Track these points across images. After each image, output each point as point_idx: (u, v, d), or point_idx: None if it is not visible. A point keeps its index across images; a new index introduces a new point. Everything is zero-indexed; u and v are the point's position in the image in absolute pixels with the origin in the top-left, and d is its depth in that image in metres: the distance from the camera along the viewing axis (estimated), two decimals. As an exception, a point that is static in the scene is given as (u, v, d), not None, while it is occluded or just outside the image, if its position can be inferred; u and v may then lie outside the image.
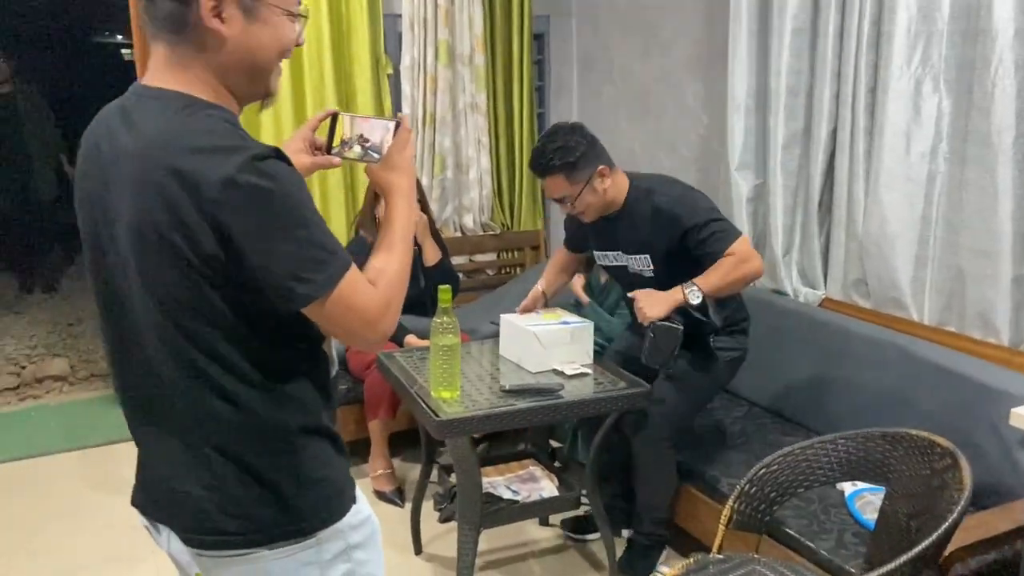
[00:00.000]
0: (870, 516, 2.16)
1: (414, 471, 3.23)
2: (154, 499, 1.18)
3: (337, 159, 1.27)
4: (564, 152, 2.30)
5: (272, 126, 3.54)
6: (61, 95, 6.26)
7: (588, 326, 2.47)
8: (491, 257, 4.23)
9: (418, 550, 2.72)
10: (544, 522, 2.90)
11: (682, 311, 2.22)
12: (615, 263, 2.51)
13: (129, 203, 1.04)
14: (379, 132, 1.23)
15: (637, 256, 2.41)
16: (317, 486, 1.15)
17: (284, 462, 1.13)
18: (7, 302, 5.79)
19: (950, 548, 1.56)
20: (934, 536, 1.37)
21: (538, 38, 4.22)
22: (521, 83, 4.06)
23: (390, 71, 3.82)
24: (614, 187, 2.39)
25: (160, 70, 1.10)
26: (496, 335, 2.64)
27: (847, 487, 2.31)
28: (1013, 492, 2.03)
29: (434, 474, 2.74)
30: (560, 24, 4.25)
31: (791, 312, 2.87)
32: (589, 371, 2.38)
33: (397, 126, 1.23)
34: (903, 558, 1.33)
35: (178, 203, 0.99)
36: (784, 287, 2.98)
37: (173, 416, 1.12)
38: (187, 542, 1.13)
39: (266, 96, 1.16)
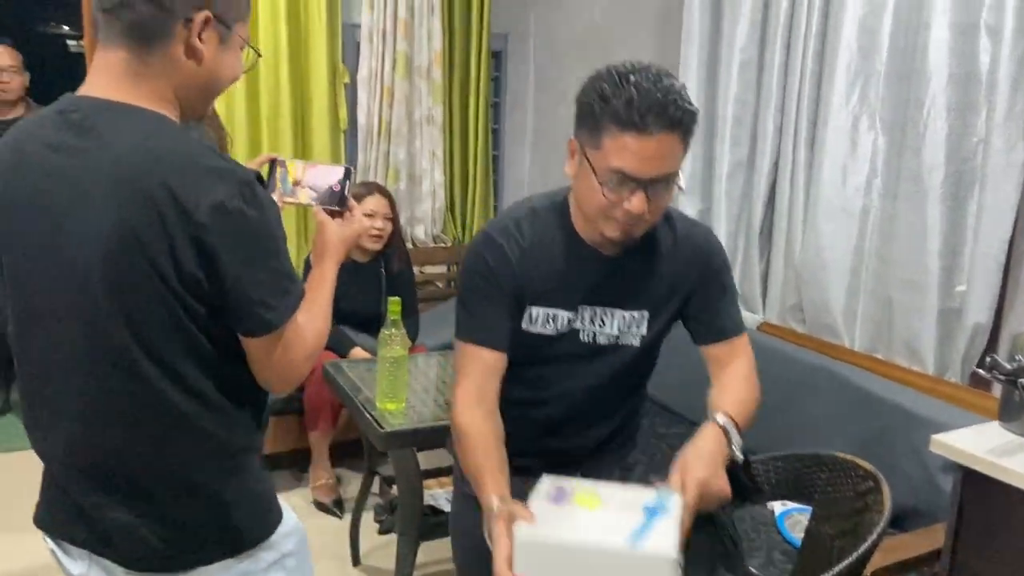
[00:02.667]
0: (799, 535, 2.23)
1: (355, 481, 3.23)
2: (74, 521, 1.14)
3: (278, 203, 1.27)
4: (690, 104, 1.32)
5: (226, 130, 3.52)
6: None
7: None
8: (441, 270, 4.26)
9: (356, 561, 2.71)
10: (484, 535, 2.92)
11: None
12: (560, 329, 1.46)
13: (105, 218, 1.01)
14: (330, 177, 1.27)
15: (628, 314, 1.49)
16: (255, 502, 1.18)
17: (227, 481, 1.14)
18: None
19: (870, 568, 1.63)
20: (853, 556, 1.43)
21: (496, 55, 4.28)
22: (477, 98, 4.11)
23: (347, 80, 3.83)
24: None
25: (113, 78, 1.07)
26: (443, 348, 2.64)
27: (777, 506, 2.39)
28: (933, 516, 2.12)
29: (375, 485, 2.75)
30: (518, 43, 4.31)
31: (731, 335, 2.95)
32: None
33: (347, 173, 1.28)
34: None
35: (165, 222, 1.00)
36: (725, 310, 3.06)
37: (110, 438, 1.09)
38: (124, 565, 1.12)
39: (200, 118, 1.18)
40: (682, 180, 1.37)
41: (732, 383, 1.51)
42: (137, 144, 1.03)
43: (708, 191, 3.10)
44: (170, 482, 1.11)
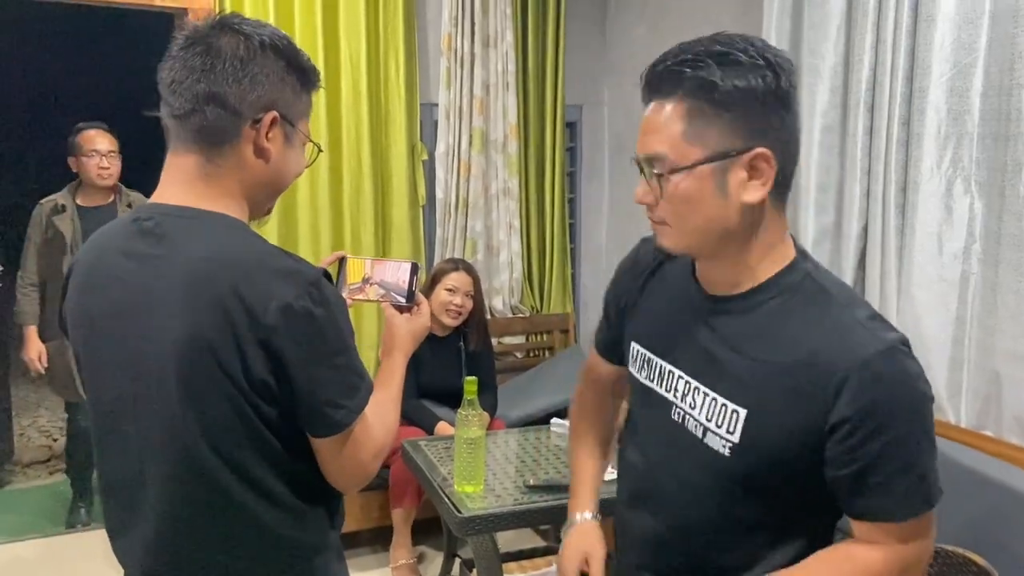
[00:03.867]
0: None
1: (436, 559, 3.18)
2: None
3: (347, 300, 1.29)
4: (712, 65, 1.03)
5: (309, 214, 3.63)
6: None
7: None
8: (520, 340, 4.24)
9: (438, 646, 2.65)
10: (567, 620, 2.81)
11: None
12: (658, 389, 1.22)
13: (178, 324, 1.03)
14: (399, 274, 1.29)
15: (721, 401, 1.12)
16: None
17: None
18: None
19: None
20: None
21: (570, 125, 4.31)
22: (553, 169, 4.13)
23: (425, 157, 3.91)
24: (767, 223, 1.10)
25: (185, 182, 1.10)
26: (523, 422, 2.59)
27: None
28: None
29: (456, 569, 2.70)
30: (592, 113, 4.34)
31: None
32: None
33: (414, 268, 1.29)
34: None
35: (235, 326, 1.01)
36: (816, 382, 2.93)
37: (182, 541, 1.10)
38: None
39: (267, 214, 1.21)
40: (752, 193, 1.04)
41: (827, 567, 1.10)
42: (207, 250, 1.05)
43: (793, 259, 3.00)
44: None
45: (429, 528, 3.23)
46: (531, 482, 2.25)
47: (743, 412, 1.09)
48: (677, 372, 1.17)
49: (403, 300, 1.29)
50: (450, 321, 3.14)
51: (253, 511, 1.08)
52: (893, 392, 1.04)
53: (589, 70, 4.23)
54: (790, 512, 1.12)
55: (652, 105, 1.07)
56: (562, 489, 2.21)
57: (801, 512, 1.13)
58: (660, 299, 1.23)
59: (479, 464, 2.21)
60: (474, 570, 2.57)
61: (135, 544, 1.12)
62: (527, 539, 3.39)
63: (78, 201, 3.25)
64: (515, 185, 4.05)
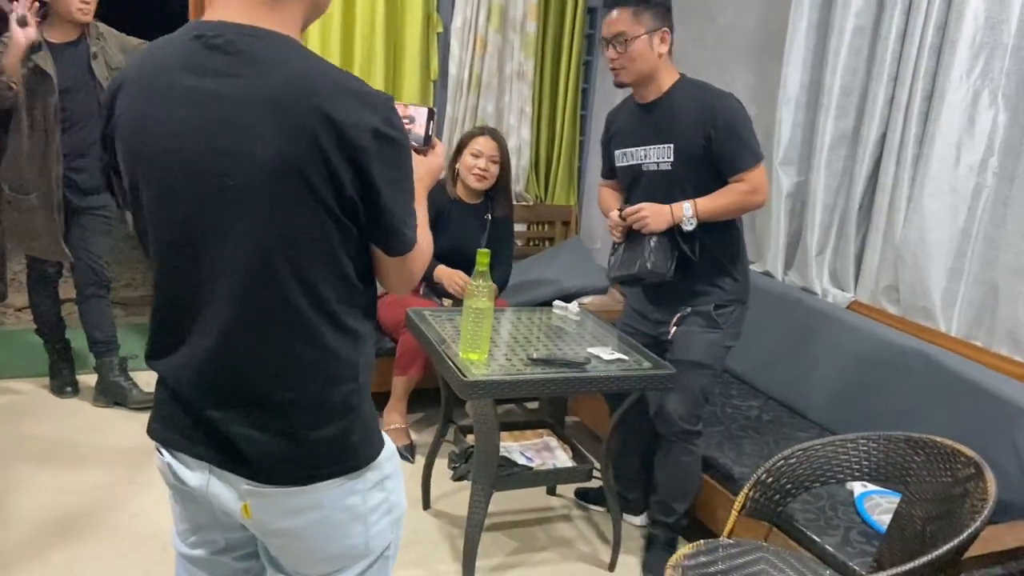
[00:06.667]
0: (878, 518, 2.19)
1: (422, 432, 3.29)
2: (197, 436, 1.16)
3: None
4: None
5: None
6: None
7: None
8: (521, 228, 4.24)
9: (427, 505, 2.77)
10: (552, 491, 2.94)
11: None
12: (631, 162, 2.45)
13: (266, 143, 1.03)
14: (416, 118, 1.32)
15: (660, 146, 2.35)
16: (369, 424, 1.21)
17: (350, 402, 1.17)
18: None
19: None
20: (955, 542, 1.39)
21: (591, 12, 4.20)
22: (570, 55, 4.05)
23: (440, 29, 3.81)
24: (666, 64, 2.34)
25: (246, 5, 1.09)
26: (531, 304, 2.64)
27: (857, 488, 2.34)
28: (1025, 510, 2.06)
29: (449, 433, 2.79)
30: (614, 0, 4.21)
31: (817, 312, 2.88)
32: (626, 358, 2.38)
33: (430, 113, 1.33)
34: (923, 560, 1.36)
35: (326, 148, 1.03)
36: (813, 286, 2.98)
37: (249, 354, 1.12)
38: (248, 477, 1.15)
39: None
40: (656, 44, 2.29)
41: (721, 191, 2.30)
42: (289, 72, 1.05)
43: (806, 162, 3.00)
44: (302, 399, 1.14)
45: (418, 402, 3.31)
46: (533, 355, 2.31)
47: (671, 145, 2.34)
48: (640, 147, 2.42)
49: (419, 143, 1.32)
50: (476, 184, 3.15)
51: (317, 330, 1.12)
52: (729, 112, 2.28)
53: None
54: (704, 182, 2.32)
55: (614, 12, 2.29)
56: (562, 364, 2.27)
57: (710, 180, 2.32)
58: (622, 125, 2.52)
59: (485, 334, 2.26)
60: (469, 435, 2.65)
61: (190, 362, 1.14)
62: (519, 416, 3.49)
63: (47, 37, 2.93)
64: (530, 68, 3.97)
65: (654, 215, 2.32)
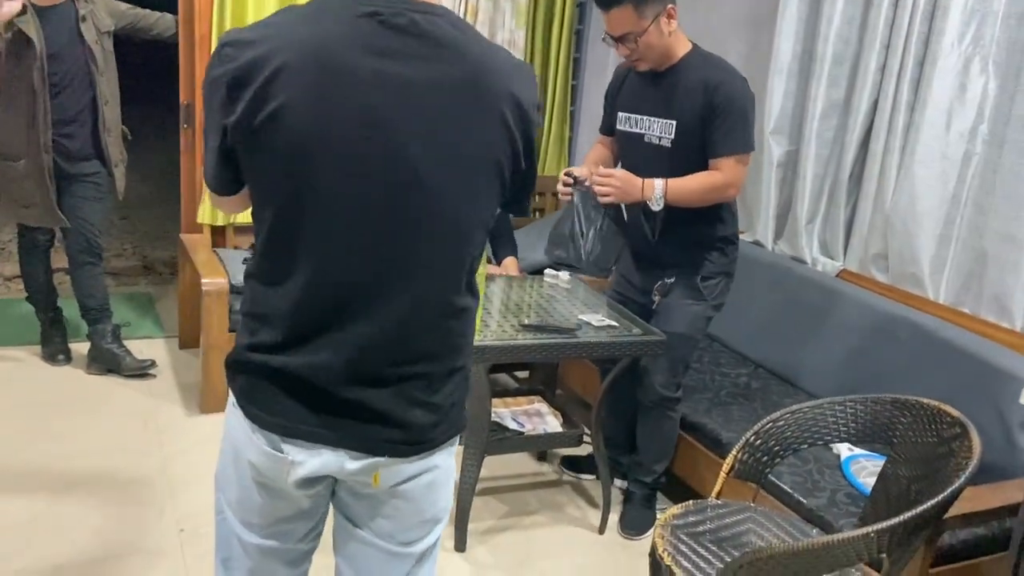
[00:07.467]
0: (864, 480, 2.22)
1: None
2: (338, 424, 1.13)
3: None
4: None
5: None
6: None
7: None
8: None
9: (419, 471, 2.79)
10: (542, 457, 2.97)
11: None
12: (634, 129, 2.40)
13: (466, 130, 1.05)
14: None
15: (663, 120, 2.31)
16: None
17: (469, 367, 1.22)
18: None
19: (946, 515, 1.61)
20: (939, 497, 1.41)
21: (583, -20, 4.17)
22: (561, 24, 4.02)
23: (431, -2, 3.79)
24: (677, 36, 2.29)
25: None
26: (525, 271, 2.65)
27: (843, 451, 2.37)
28: (1009, 472, 2.09)
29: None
30: (606, -32, 4.18)
31: (808, 280, 2.90)
32: (616, 324, 2.40)
33: None
34: (906, 515, 1.38)
35: (513, 128, 1.08)
36: (803, 255, 3.00)
37: (414, 342, 1.12)
38: (393, 453, 1.16)
39: None
40: (661, 28, 2.23)
41: (695, 176, 2.27)
42: (480, 55, 1.08)
43: (797, 131, 3.00)
44: (446, 369, 1.17)
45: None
46: (525, 321, 2.32)
47: (674, 123, 2.30)
48: (644, 117, 2.38)
49: None
50: None
51: (466, 304, 1.16)
52: (730, 92, 2.23)
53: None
54: (704, 166, 2.29)
55: (613, 10, 2.22)
56: (552, 330, 2.28)
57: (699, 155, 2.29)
58: (632, 87, 2.44)
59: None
60: (461, 402, 2.68)
61: (341, 348, 1.10)
62: (511, 383, 3.51)
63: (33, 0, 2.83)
64: (521, 37, 3.94)
65: (624, 185, 2.26)
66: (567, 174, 2.40)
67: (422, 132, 1.04)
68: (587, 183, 2.35)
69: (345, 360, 1.11)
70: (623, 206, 2.38)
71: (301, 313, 1.10)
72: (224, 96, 1.03)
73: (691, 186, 2.26)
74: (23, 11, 2.77)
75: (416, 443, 1.17)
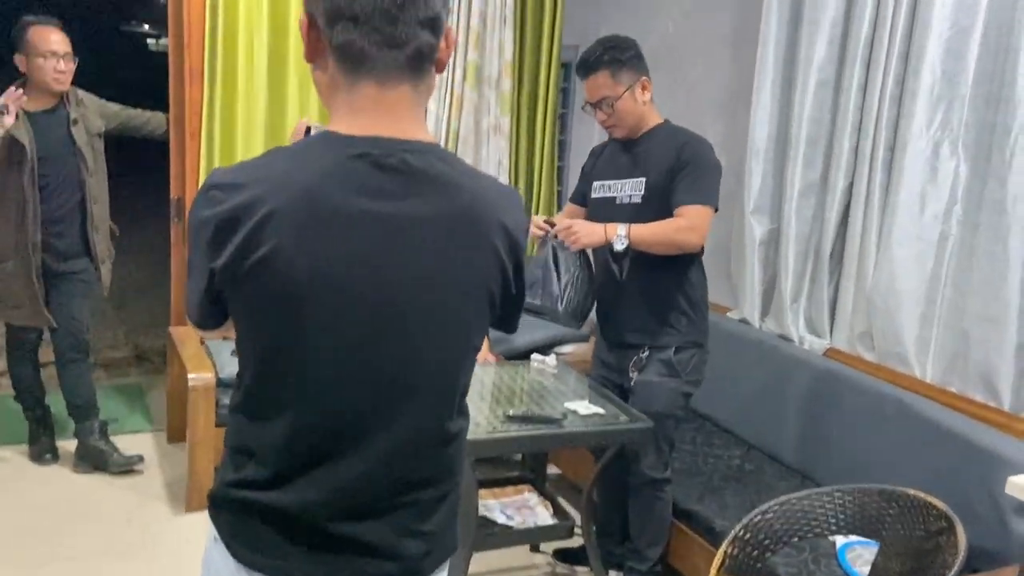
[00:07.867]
0: (860, 569, 2.18)
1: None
2: (316, 558, 1.10)
3: None
4: (614, 50, 2.37)
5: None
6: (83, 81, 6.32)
7: None
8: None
9: (409, 566, 2.73)
10: (535, 548, 2.91)
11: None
12: (607, 194, 2.50)
13: (459, 264, 1.06)
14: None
15: (634, 180, 2.42)
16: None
17: (459, 490, 1.20)
18: None
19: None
20: (924, 599, 1.39)
21: (566, 66, 4.28)
22: (545, 109, 4.11)
23: (417, 88, 3.88)
24: (650, 108, 2.44)
25: (398, 116, 1.05)
26: (510, 354, 2.64)
27: (839, 538, 2.33)
28: (1003, 558, 2.05)
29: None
30: (587, 54, 4.30)
31: (795, 359, 2.89)
32: (603, 412, 2.38)
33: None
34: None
35: (503, 256, 1.10)
36: (790, 333, 3.00)
37: (407, 473, 1.11)
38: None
39: None
40: (641, 96, 2.41)
41: (658, 222, 2.33)
42: (471, 188, 1.08)
43: (777, 211, 3.04)
44: (440, 496, 1.15)
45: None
46: (511, 412, 2.31)
47: (643, 179, 2.41)
48: (616, 181, 2.49)
49: None
50: None
51: (460, 430, 1.15)
52: (696, 150, 2.36)
53: (586, 10, 4.18)
54: (662, 213, 2.36)
55: (591, 77, 2.40)
56: (539, 420, 2.27)
57: (669, 212, 2.36)
58: (605, 159, 2.58)
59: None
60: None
61: (330, 483, 1.08)
62: (501, 472, 3.47)
63: (25, 106, 2.91)
64: (506, 123, 4.03)
65: (585, 227, 2.35)
66: (546, 221, 2.48)
67: (414, 270, 1.04)
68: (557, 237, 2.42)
69: (339, 495, 1.08)
70: (589, 253, 2.44)
71: (292, 449, 1.08)
72: (211, 239, 1.01)
73: (653, 228, 2.31)
74: (15, 118, 2.85)
75: (409, 574, 1.15)
